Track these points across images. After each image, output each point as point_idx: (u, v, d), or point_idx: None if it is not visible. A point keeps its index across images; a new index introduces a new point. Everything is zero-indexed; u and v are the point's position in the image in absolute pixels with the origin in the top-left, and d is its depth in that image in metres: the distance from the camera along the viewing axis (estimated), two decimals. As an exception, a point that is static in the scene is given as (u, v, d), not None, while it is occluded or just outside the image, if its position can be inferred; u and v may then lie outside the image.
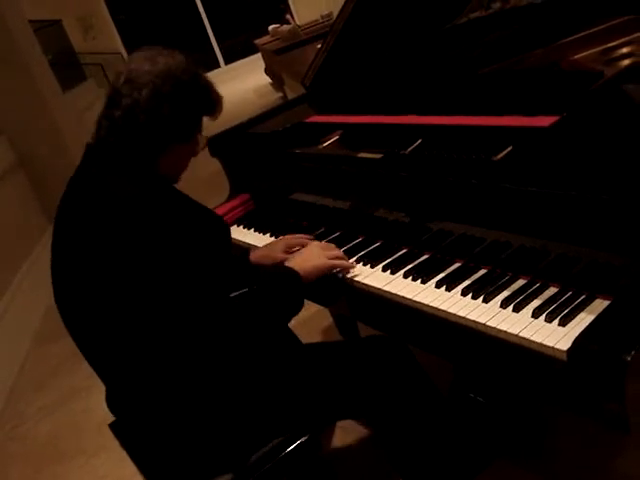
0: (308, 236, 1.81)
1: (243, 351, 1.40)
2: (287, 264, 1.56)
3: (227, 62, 11.76)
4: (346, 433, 2.11)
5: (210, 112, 1.52)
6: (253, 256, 1.79)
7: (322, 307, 2.19)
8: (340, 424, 2.07)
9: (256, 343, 1.43)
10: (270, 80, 8.70)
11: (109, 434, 1.56)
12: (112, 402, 1.53)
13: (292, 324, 1.57)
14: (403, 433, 1.53)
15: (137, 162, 1.43)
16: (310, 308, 1.84)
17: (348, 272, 1.59)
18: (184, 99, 1.42)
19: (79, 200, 1.42)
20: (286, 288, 1.50)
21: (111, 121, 1.42)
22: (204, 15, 11.50)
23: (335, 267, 1.59)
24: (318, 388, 1.53)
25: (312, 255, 1.58)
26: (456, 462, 1.63)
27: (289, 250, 1.75)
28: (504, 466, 1.78)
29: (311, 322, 2.78)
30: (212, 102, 1.51)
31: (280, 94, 8.02)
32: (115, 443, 1.56)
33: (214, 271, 1.44)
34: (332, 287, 1.61)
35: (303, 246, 1.71)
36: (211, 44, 11.64)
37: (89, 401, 2.97)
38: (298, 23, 8.43)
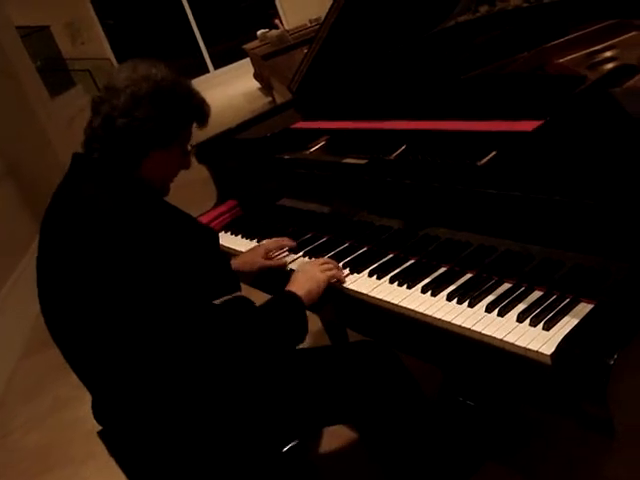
0: (287, 239, 1.84)
1: (236, 365, 1.38)
2: (290, 289, 1.53)
3: (216, 67, 11.73)
4: (334, 437, 2.10)
5: (195, 119, 1.51)
6: (234, 263, 1.80)
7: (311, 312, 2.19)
8: (328, 428, 2.07)
9: (257, 366, 1.42)
10: (259, 85, 8.70)
11: (98, 443, 1.56)
12: (98, 411, 1.53)
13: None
14: (391, 438, 1.54)
15: (120, 169, 1.42)
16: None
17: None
18: (162, 103, 1.41)
19: (64, 211, 1.42)
20: (291, 316, 1.48)
21: (93, 129, 1.43)
22: (193, 20, 11.48)
23: (333, 280, 1.57)
24: (305, 393, 1.53)
25: (310, 273, 1.57)
26: (446, 466, 1.64)
27: (269, 255, 1.80)
28: (492, 468, 1.79)
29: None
30: (195, 108, 1.50)
31: (269, 99, 8.01)
32: (104, 452, 1.56)
33: (201, 281, 1.43)
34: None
35: (282, 248, 1.81)
36: (200, 49, 11.62)
37: (78, 411, 2.95)
38: (287, 28, 8.43)
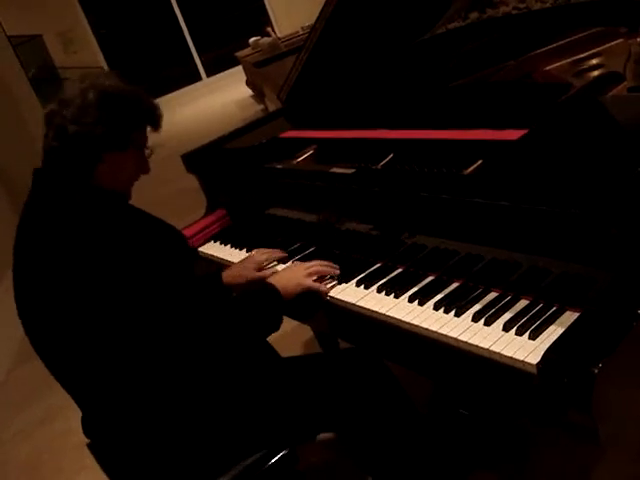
0: (277, 250, 1.84)
1: (220, 366, 1.41)
2: (269, 281, 1.57)
3: (209, 75, 11.71)
4: (324, 447, 2.10)
5: (147, 122, 1.53)
6: (225, 276, 1.80)
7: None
8: (318, 437, 2.06)
9: (233, 357, 1.44)
10: (252, 92, 8.70)
11: (89, 455, 1.56)
12: (88, 426, 1.53)
13: (273, 336, 1.57)
14: (379, 447, 1.53)
15: (79, 177, 1.44)
16: (292, 321, 1.84)
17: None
18: (110, 107, 1.43)
19: (33, 228, 1.43)
20: (266, 304, 1.51)
21: (48, 141, 1.44)
22: (185, 28, 11.48)
23: (314, 288, 1.58)
24: (294, 402, 1.53)
25: (293, 273, 1.59)
26: (434, 475, 1.63)
27: (261, 267, 1.80)
28: (480, 476, 1.79)
29: (292, 335, 2.78)
30: (145, 112, 1.52)
31: (262, 106, 8.01)
32: (95, 464, 1.55)
33: (179, 283, 1.44)
34: (308, 302, 1.60)
35: (274, 260, 1.80)
36: (192, 57, 11.62)
37: (69, 421, 2.93)
38: (279, 35, 8.44)
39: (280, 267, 1.80)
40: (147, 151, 1.55)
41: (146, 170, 1.58)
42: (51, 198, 1.42)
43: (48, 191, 1.44)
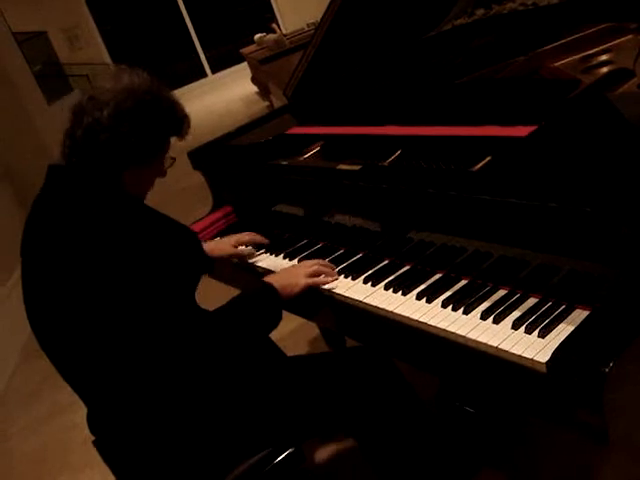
0: (259, 235, 1.92)
1: (221, 364, 1.41)
2: (267, 279, 1.56)
3: (214, 71, 11.72)
4: (330, 445, 2.09)
5: (175, 132, 1.51)
6: (205, 247, 1.84)
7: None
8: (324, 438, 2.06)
9: (233, 356, 1.43)
10: (257, 89, 8.69)
11: (95, 450, 1.55)
12: (93, 423, 1.52)
13: (279, 334, 1.57)
14: (387, 446, 1.52)
15: (99, 181, 1.41)
16: (297, 318, 1.84)
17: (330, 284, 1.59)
18: (145, 118, 1.39)
19: (45, 223, 1.41)
20: (263, 302, 1.51)
21: (73, 140, 1.41)
22: (190, 24, 11.47)
23: (313, 285, 1.58)
24: (301, 401, 1.53)
25: (292, 273, 1.59)
26: (442, 472, 1.63)
27: (238, 244, 1.89)
28: (488, 473, 1.78)
29: (298, 332, 2.78)
30: (177, 122, 1.50)
31: (267, 103, 8.01)
32: (101, 459, 1.55)
33: (186, 284, 1.44)
34: (313, 299, 1.60)
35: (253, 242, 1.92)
36: (197, 53, 11.62)
37: (75, 416, 2.93)
38: (284, 32, 8.43)
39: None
40: (168, 158, 1.53)
41: (163, 174, 1.55)
42: (67, 196, 1.40)
43: (64, 188, 1.42)
